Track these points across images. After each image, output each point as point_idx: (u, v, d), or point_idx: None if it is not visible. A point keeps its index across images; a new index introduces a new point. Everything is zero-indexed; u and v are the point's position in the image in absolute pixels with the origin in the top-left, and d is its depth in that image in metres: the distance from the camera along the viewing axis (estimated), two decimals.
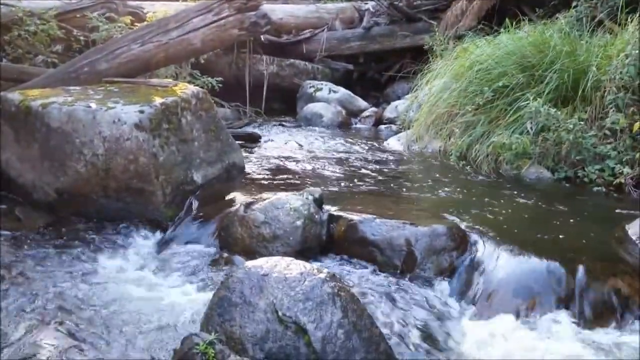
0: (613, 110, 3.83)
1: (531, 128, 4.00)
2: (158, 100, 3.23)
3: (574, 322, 2.34)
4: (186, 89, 3.55)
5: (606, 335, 2.30)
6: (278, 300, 1.90)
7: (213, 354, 1.71)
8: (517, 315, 2.37)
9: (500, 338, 2.24)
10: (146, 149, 3.05)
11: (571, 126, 3.84)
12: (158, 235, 3.01)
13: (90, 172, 3.05)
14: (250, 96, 6.68)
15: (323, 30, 7.64)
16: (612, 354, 2.17)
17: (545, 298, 2.42)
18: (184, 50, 3.93)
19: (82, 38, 5.38)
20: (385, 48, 7.64)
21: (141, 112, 3.10)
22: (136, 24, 5.40)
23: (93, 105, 3.09)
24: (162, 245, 2.91)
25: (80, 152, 3.04)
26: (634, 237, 2.84)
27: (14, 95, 3.30)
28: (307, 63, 7.43)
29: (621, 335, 2.31)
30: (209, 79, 5.67)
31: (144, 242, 2.94)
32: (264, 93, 6.84)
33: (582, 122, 3.90)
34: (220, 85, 5.72)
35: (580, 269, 2.49)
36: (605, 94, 3.92)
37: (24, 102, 3.18)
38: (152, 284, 2.50)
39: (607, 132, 3.85)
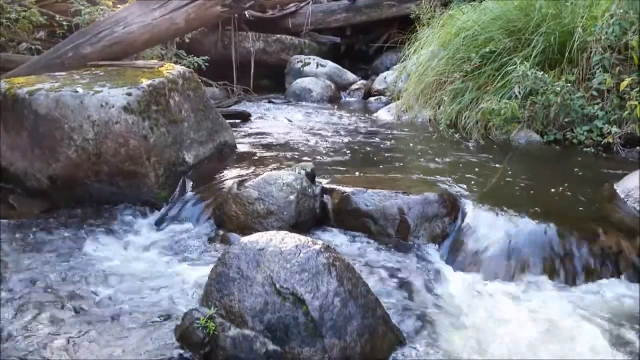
0: (600, 71, 3.86)
1: (519, 92, 4.02)
2: (145, 82, 3.22)
3: (563, 282, 2.40)
4: (172, 69, 3.53)
5: (595, 293, 2.35)
6: (275, 273, 1.93)
7: (214, 327, 1.75)
8: (508, 277, 2.43)
9: (489, 298, 2.29)
10: (136, 131, 3.05)
11: (559, 88, 3.86)
12: (153, 216, 3.03)
13: (81, 157, 3.05)
14: (238, 74, 6.65)
15: (308, 4, 7.59)
16: (600, 310, 2.22)
17: (535, 259, 2.47)
18: (168, 30, 3.88)
19: (65, 23, 5.31)
20: (372, 19, 7.61)
21: (128, 94, 3.09)
22: (118, 5, 5.32)
23: (80, 90, 3.08)
24: (158, 226, 2.93)
25: (70, 137, 3.03)
26: (622, 195, 2.89)
27: (0, 84, 3.27)
28: (293, 38, 7.39)
29: (611, 291, 2.37)
30: (195, 58, 5.63)
31: (139, 223, 2.96)
32: (252, 70, 6.81)
33: (569, 84, 3.93)
34: (207, 64, 5.68)
35: (569, 229, 2.54)
36: (592, 54, 3.94)
37: (11, 90, 3.16)
38: (150, 264, 2.53)
39: (595, 92, 3.88)
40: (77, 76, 3.40)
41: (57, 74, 3.51)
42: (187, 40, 6.00)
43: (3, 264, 2.46)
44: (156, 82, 3.26)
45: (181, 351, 1.76)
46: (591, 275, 2.42)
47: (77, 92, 3.07)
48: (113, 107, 3.02)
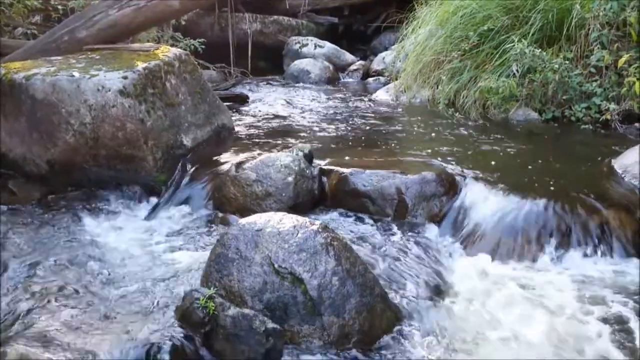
0: (598, 48, 3.84)
1: (517, 70, 4.00)
2: (141, 65, 3.20)
3: (562, 258, 2.42)
4: (168, 52, 3.51)
5: (594, 267, 2.38)
6: (273, 253, 1.95)
7: (214, 307, 1.77)
8: (507, 254, 2.45)
9: (488, 276, 2.32)
10: (133, 115, 3.04)
11: (557, 66, 3.85)
12: (153, 199, 3.05)
13: (79, 141, 3.05)
14: (235, 56, 6.60)
15: None
16: (598, 284, 2.25)
17: (533, 236, 2.49)
18: (163, 12, 3.85)
19: (60, 7, 5.27)
20: None
21: (124, 78, 3.08)
22: None
23: (76, 74, 3.07)
24: (158, 208, 2.95)
25: (67, 122, 3.03)
26: (620, 171, 2.90)
27: None
28: (291, 19, 7.33)
29: (609, 265, 2.39)
30: (192, 40, 5.59)
31: (138, 206, 2.98)
32: (249, 52, 6.76)
33: (567, 62, 3.91)
34: (203, 46, 5.65)
35: (568, 205, 2.56)
36: (590, 31, 3.91)
37: (7, 76, 3.15)
38: (150, 246, 2.55)
39: (593, 69, 3.87)
40: (73, 60, 3.39)
41: (53, 58, 3.49)
42: (183, 23, 5.95)
43: (3, 248, 2.48)
44: (152, 65, 3.25)
45: (182, 330, 1.78)
46: (591, 250, 2.44)
47: (73, 76, 3.06)
48: (109, 90, 3.02)
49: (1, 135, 3.24)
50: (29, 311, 2.00)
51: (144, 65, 3.21)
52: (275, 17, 7.24)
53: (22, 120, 3.14)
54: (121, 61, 3.34)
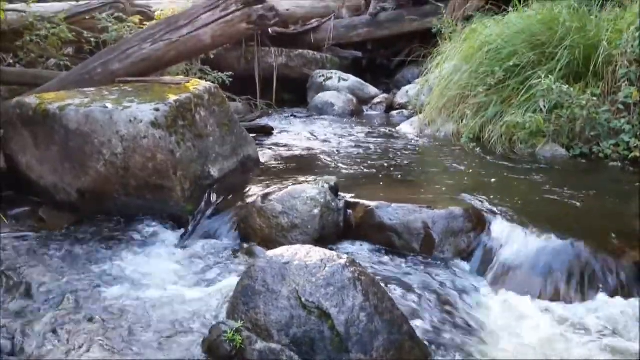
0: (626, 84, 3.82)
1: (544, 106, 3.99)
2: (172, 98, 3.28)
3: (593, 298, 2.36)
4: (198, 85, 3.59)
5: (627, 312, 2.31)
6: (300, 287, 1.94)
7: (240, 341, 1.76)
8: (537, 293, 2.40)
9: (518, 314, 2.27)
10: (163, 146, 3.10)
11: (584, 102, 3.83)
12: (180, 229, 3.07)
13: (110, 171, 3.11)
14: (261, 88, 6.71)
15: (330, 19, 7.65)
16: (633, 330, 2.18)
17: (564, 275, 2.43)
18: (195, 47, 3.96)
19: (92, 39, 5.43)
20: (394, 33, 7.63)
21: (156, 110, 3.15)
22: (145, 22, 5.43)
23: (109, 106, 3.15)
24: (184, 239, 2.97)
25: (99, 152, 3.10)
26: None
27: (31, 99, 3.36)
28: (315, 53, 7.45)
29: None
30: (220, 74, 5.71)
31: (166, 236, 2.99)
32: (274, 85, 6.87)
33: (595, 98, 3.89)
34: (230, 79, 5.75)
35: (598, 244, 2.51)
36: (617, 68, 3.90)
37: (41, 106, 3.24)
38: (177, 276, 2.55)
39: (621, 106, 3.84)
40: (106, 92, 3.48)
41: (86, 89, 3.59)
42: (211, 56, 6.08)
43: (30, 275, 2.51)
44: (183, 98, 3.32)
45: None
46: (623, 292, 2.37)
47: (106, 107, 3.14)
48: (141, 122, 3.08)
49: (33, 163, 3.32)
50: (53, 338, 2.01)
51: (176, 97, 3.28)
52: (300, 51, 7.37)
53: (54, 149, 3.22)
54: (153, 93, 3.42)
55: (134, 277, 2.54)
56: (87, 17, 5.87)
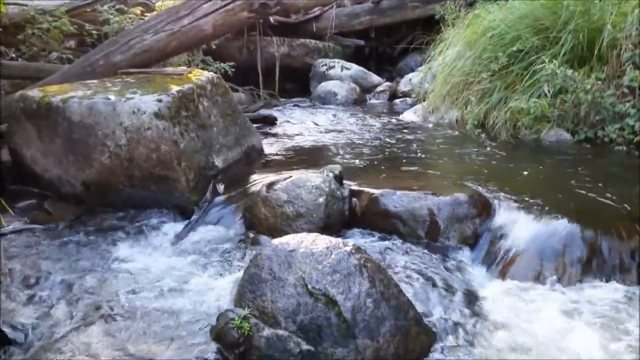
0: (630, 68, 3.79)
1: (548, 91, 3.97)
2: (175, 89, 3.27)
3: (597, 283, 2.36)
4: (201, 75, 3.58)
5: (636, 293, 2.31)
6: (307, 274, 1.95)
7: (248, 328, 1.77)
8: (541, 278, 2.40)
9: (523, 299, 2.27)
10: (167, 137, 3.10)
11: (589, 86, 3.80)
12: (185, 219, 3.08)
13: (114, 162, 3.11)
14: (263, 78, 6.69)
15: (332, 7, 7.60)
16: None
17: (569, 260, 2.43)
18: (196, 37, 3.94)
19: (94, 32, 5.42)
20: (396, 21, 7.59)
21: (159, 101, 3.14)
22: (146, 14, 5.42)
23: (112, 97, 3.15)
24: (190, 229, 2.97)
25: (103, 143, 3.10)
26: None
27: (34, 93, 3.36)
28: (317, 42, 7.42)
29: None
30: (222, 64, 5.69)
31: (171, 226, 3.00)
32: (277, 74, 6.84)
33: (599, 82, 3.86)
34: (232, 69, 5.74)
35: (604, 229, 2.50)
36: (622, 51, 3.87)
37: (45, 99, 3.24)
38: (183, 266, 2.56)
39: (626, 90, 3.81)
40: (108, 84, 3.48)
41: (89, 82, 3.59)
42: (213, 47, 6.07)
43: (37, 267, 2.52)
44: (185, 89, 3.31)
45: (217, 351, 1.79)
46: (628, 276, 2.37)
47: (109, 99, 3.13)
48: (145, 113, 3.08)
49: (37, 156, 3.33)
50: (59, 331, 2.03)
51: (178, 88, 3.28)
52: (303, 40, 7.34)
53: (58, 142, 3.22)
54: (155, 85, 3.41)
55: (140, 267, 2.54)
56: (88, 10, 5.84)
